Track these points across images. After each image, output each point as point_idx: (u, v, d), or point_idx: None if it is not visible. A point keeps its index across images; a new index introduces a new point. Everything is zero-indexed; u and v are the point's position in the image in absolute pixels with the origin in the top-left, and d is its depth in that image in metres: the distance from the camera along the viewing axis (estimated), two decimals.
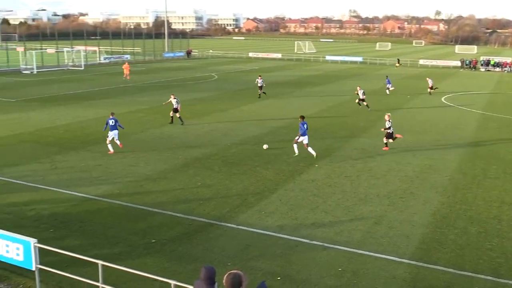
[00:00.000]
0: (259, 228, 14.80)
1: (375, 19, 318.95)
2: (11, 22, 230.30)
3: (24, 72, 63.22)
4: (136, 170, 20.58)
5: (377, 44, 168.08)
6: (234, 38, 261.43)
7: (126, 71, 56.50)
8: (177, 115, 30.30)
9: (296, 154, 22.98)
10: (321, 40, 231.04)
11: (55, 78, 56.75)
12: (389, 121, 24.37)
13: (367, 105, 36.90)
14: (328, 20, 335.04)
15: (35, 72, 62.32)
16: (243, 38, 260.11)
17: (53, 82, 52.23)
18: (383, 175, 20.47)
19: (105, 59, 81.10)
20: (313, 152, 22.78)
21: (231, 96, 43.80)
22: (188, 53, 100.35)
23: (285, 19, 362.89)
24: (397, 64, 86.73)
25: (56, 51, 77.18)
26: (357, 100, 37.70)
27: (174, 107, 30.21)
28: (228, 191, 18.12)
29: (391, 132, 24.44)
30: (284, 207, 16.57)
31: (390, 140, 24.75)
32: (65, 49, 79.03)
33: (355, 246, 13.70)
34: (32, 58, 65.30)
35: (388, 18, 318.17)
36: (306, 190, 18.43)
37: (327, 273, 12.23)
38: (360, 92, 37.01)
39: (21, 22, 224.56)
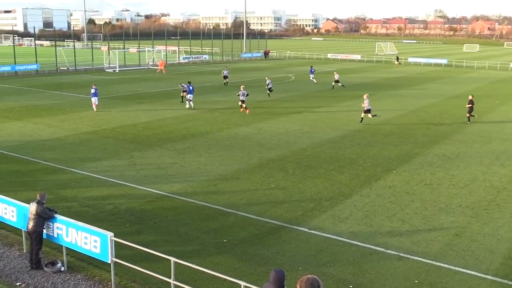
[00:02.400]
0: (332, 233, 14.62)
1: (462, 20, 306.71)
2: (97, 22, 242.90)
3: (107, 70, 66.31)
4: (211, 170, 20.97)
5: (464, 45, 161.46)
6: (313, 38, 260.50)
7: (160, 67, 63.82)
8: (183, 94, 38.36)
9: (188, 108, 35.47)
10: (403, 41, 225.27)
11: (136, 77, 59.08)
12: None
13: (342, 84, 49.96)
14: (411, 21, 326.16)
15: (117, 71, 65.17)
16: (322, 38, 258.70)
17: (135, 81, 54.38)
18: (467, 185, 19.60)
19: (184, 59, 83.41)
20: (192, 105, 35.56)
21: (308, 97, 43.63)
22: (266, 53, 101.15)
23: (366, 19, 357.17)
24: (396, 62, 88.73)
25: (138, 51, 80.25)
26: (333, 83, 49.87)
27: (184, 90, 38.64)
28: (302, 194, 18.05)
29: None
30: (358, 213, 16.28)
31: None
32: (146, 49, 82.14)
33: (433, 258, 13.20)
34: (115, 57, 68.40)
35: (477, 18, 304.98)
36: (383, 196, 18.01)
37: (402, 285, 11.86)
38: (337, 76, 50.23)
39: (105, 22, 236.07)
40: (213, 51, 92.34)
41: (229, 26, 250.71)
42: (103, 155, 22.94)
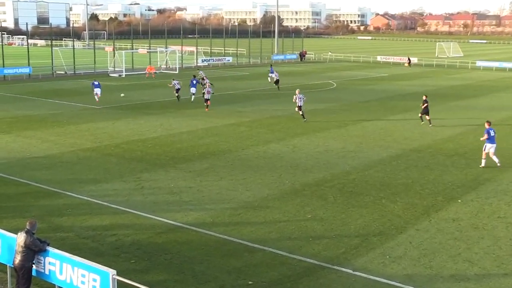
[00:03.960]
0: (381, 276, 14.45)
1: None
2: (100, 18, 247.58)
3: (111, 75, 67.36)
4: (234, 195, 21.00)
5: None
6: (359, 37, 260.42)
7: (149, 71, 66.93)
8: (176, 94, 44.97)
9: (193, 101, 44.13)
10: (470, 41, 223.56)
11: (146, 83, 59.86)
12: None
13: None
14: (480, 16, 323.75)
15: (123, 76, 66.15)
16: (370, 37, 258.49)
17: (144, 88, 55.09)
18: None
19: (203, 62, 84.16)
20: (192, 98, 44.69)
21: (353, 109, 43.49)
22: (302, 55, 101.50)
23: (424, 14, 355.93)
24: (406, 64, 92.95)
25: (148, 52, 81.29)
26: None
27: (176, 88, 44.95)
28: (345, 228, 17.91)
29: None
30: (414, 252, 16.05)
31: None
32: (158, 50, 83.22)
33: None
34: (121, 60, 69.45)
35: None
36: (445, 231, 17.73)
37: None
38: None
39: (111, 18, 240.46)
40: (238, 52, 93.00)
41: (258, 22, 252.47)
42: (105, 177, 23.19)
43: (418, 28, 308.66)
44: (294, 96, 37.01)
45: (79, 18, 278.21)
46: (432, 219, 18.88)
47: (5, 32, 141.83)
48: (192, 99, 44.36)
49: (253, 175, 23.77)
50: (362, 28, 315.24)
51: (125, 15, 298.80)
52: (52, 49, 69.31)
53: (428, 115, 36.00)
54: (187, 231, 17.32)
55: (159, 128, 33.98)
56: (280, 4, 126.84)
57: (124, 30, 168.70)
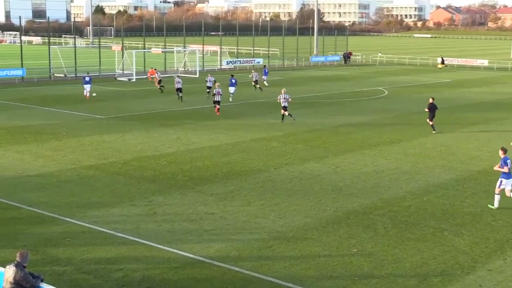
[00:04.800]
0: None
1: None
2: (107, 11, 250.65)
3: (119, 79, 67.99)
4: (264, 224, 20.94)
5: None
6: (416, 35, 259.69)
7: (151, 74, 65.03)
8: (158, 85, 54.05)
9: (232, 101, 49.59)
10: None
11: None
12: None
13: (260, 87, 59.75)
14: None
15: (134, 80, 66.70)
16: (430, 35, 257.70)
17: (157, 94, 55.45)
18: None
19: (228, 64, 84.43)
20: (230, 99, 50.25)
21: (408, 121, 43.18)
22: (347, 57, 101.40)
23: (497, 7, 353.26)
24: (440, 65, 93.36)
25: (163, 52, 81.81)
26: (252, 83, 60.13)
27: (158, 79, 55.33)
28: (398, 265, 17.73)
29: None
30: None
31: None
32: (175, 49, 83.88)
33: None
34: (131, 61, 69.96)
35: None
36: None
37: None
38: (254, 75, 60.34)
39: (119, 11, 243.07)
40: (270, 52, 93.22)
41: (294, 17, 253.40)
42: (111, 200, 23.31)
43: (489, 24, 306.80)
44: (279, 96, 40.73)
45: (81, 11, 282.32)
46: (508, 257, 18.58)
47: None
48: (231, 99, 49.90)
49: (287, 200, 23.70)
50: (419, 24, 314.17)
51: (136, 8, 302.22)
52: (49, 47, 70.22)
53: (431, 120, 38.51)
54: (207, 266, 17.29)
55: (176, 142, 34.12)
56: None
57: (135, 26, 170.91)
